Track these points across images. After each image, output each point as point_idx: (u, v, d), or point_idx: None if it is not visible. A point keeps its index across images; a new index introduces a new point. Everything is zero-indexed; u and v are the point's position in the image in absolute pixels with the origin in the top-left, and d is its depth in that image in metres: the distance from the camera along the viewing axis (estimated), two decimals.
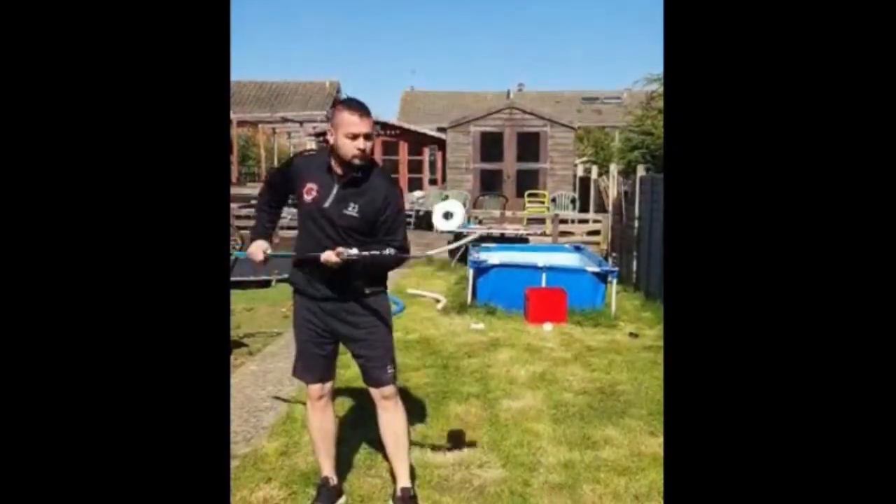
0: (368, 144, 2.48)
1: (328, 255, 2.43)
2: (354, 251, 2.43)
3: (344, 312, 2.61)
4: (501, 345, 5.40)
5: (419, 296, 7.62)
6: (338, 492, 2.75)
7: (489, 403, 3.97)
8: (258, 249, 2.57)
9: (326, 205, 2.52)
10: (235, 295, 6.65)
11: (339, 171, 2.53)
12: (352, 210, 2.52)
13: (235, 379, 4.47)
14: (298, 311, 2.68)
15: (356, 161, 2.48)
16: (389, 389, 2.67)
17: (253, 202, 14.00)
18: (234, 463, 3.12)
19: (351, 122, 2.45)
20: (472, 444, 3.34)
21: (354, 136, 2.45)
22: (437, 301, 7.23)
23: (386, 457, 2.90)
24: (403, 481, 2.69)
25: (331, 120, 2.53)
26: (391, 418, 2.68)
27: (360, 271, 2.54)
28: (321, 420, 2.72)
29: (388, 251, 2.50)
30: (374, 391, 2.68)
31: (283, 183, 2.71)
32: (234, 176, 17.90)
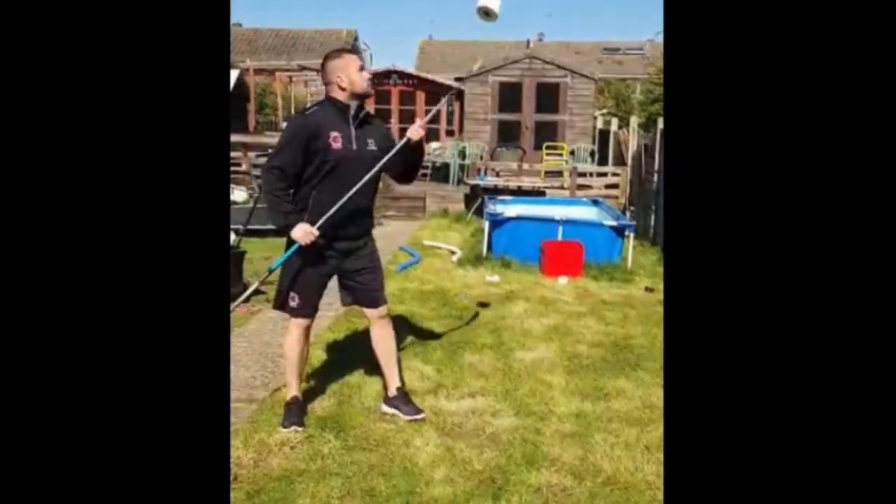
0: None
1: (416, 131, 2.86)
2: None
3: (354, 249, 2.95)
4: (516, 297, 5.42)
5: (435, 248, 7.64)
6: (304, 408, 3.08)
7: (503, 354, 4.01)
8: (309, 233, 2.77)
9: (355, 147, 2.82)
10: (253, 244, 6.70)
11: (352, 110, 2.84)
12: (372, 145, 2.89)
13: (253, 325, 4.55)
14: (309, 253, 2.86)
15: (370, 90, 2.89)
16: (386, 308, 3.10)
17: (271, 151, 13.96)
18: (252, 407, 3.20)
19: (356, 58, 2.89)
20: (485, 393, 3.39)
21: (362, 68, 2.85)
22: (453, 253, 7.25)
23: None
24: (396, 383, 3.12)
25: (329, 70, 2.85)
26: (385, 334, 3.10)
27: (370, 211, 2.99)
28: (303, 348, 3.05)
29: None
30: (372, 311, 3.07)
31: (306, 143, 2.79)
32: (251, 125, 17.83)
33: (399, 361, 3.23)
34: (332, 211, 2.77)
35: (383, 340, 3.10)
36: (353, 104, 2.84)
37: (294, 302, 2.92)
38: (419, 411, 3.05)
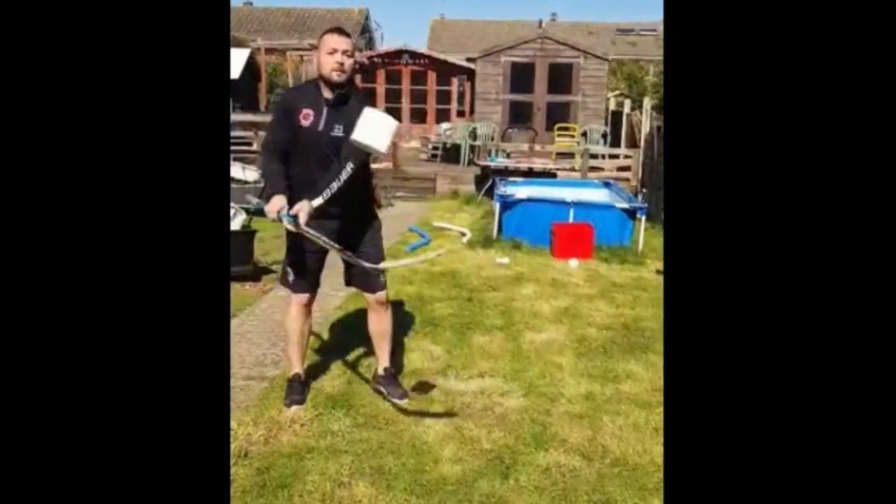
0: (348, 61, 2.73)
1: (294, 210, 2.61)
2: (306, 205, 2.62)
3: (347, 227, 2.88)
4: (526, 279, 5.42)
5: (445, 229, 7.63)
6: (306, 386, 3.10)
7: (512, 336, 4.02)
8: (275, 207, 2.64)
9: (320, 128, 2.76)
10: (264, 223, 6.70)
11: (327, 94, 2.76)
12: (337, 131, 2.77)
13: (264, 304, 4.57)
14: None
15: (335, 76, 2.71)
16: (384, 294, 3.02)
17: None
18: (262, 384, 3.22)
19: (329, 39, 2.73)
20: (494, 374, 3.40)
21: (333, 51, 2.70)
22: (463, 235, 7.23)
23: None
24: (385, 363, 3.12)
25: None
26: (381, 318, 3.06)
27: (360, 192, 2.86)
28: (304, 324, 3.03)
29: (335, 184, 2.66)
30: (370, 296, 3.01)
31: (286, 121, 2.81)
32: (262, 104, 17.81)
33: (393, 344, 3.19)
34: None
35: (378, 323, 3.08)
36: (325, 84, 2.76)
37: (290, 277, 2.95)
38: (404, 396, 2.99)
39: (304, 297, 2.98)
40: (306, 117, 2.76)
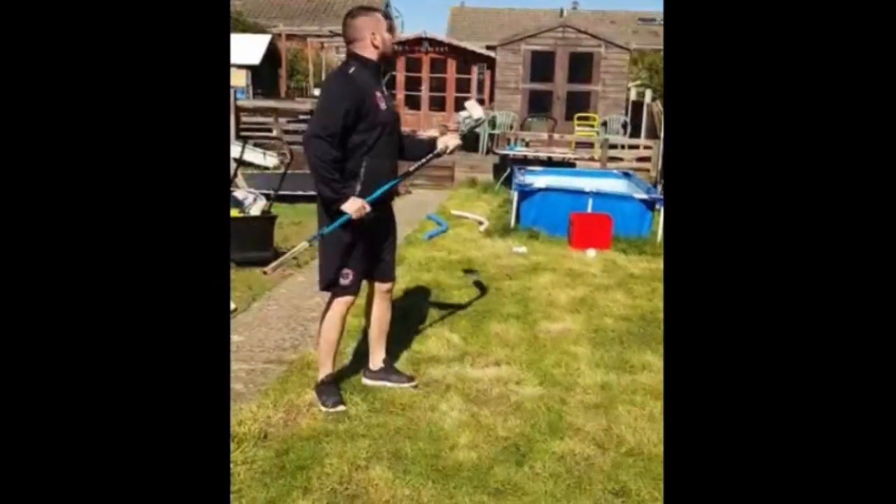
0: None
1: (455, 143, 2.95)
2: None
3: (386, 217, 2.91)
4: (543, 269, 5.42)
5: (462, 217, 7.64)
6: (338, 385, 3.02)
7: (528, 325, 4.03)
8: (362, 207, 2.65)
9: (388, 107, 2.75)
10: (284, 209, 6.76)
11: (383, 68, 2.79)
12: (393, 104, 2.81)
13: (283, 289, 4.62)
14: (357, 224, 2.72)
15: (394, 54, 2.82)
16: (392, 285, 3.10)
17: (302, 117, 14.00)
18: (282, 368, 3.27)
19: (383, 17, 2.74)
20: (510, 362, 3.42)
21: (390, 28, 2.75)
22: (480, 223, 7.24)
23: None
24: (384, 354, 3.14)
25: (360, 27, 2.70)
26: (388, 307, 3.10)
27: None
28: (344, 328, 2.97)
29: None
30: (382, 285, 3.03)
31: (355, 106, 2.59)
32: (282, 90, 17.86)
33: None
34: (395, 181, 2.83)
35: (384, 311, 3.08)
36: (380, 61, 2.74)
37: (347, 279, 2.77)
38: (411, 379, 3.06)
39: (355, 298, 2.86)
40: (380, 101, 2.67)
